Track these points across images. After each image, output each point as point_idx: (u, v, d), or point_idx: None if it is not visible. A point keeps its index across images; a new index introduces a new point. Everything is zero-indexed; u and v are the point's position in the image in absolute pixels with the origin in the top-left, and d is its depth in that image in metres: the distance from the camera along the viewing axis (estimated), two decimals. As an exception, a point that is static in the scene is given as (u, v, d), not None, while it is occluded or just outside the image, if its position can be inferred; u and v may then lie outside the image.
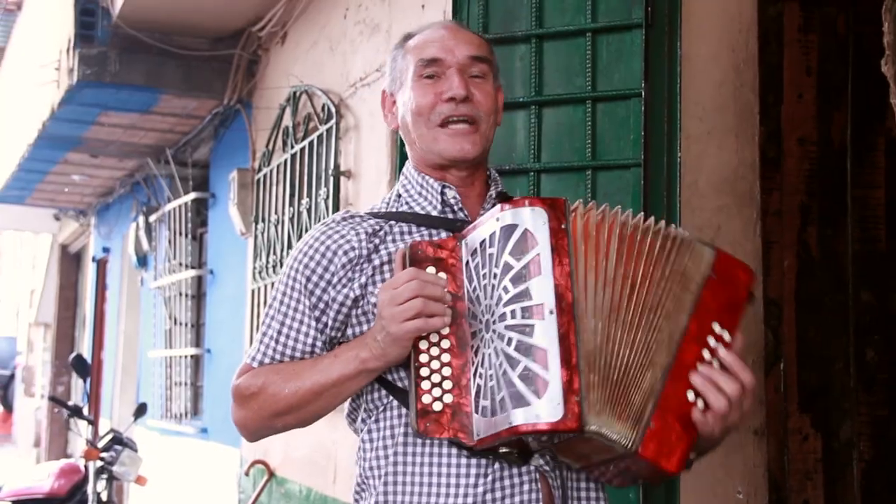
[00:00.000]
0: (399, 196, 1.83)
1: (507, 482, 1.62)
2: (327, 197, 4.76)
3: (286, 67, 5.68)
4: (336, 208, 4.71)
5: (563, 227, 1.55)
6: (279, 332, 1.74)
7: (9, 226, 14.62)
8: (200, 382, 7.38)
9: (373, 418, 1.71)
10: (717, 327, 1.60)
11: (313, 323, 1.71)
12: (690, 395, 1.56)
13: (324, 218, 4.77)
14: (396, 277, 1.59)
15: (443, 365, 1.59)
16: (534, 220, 1.55)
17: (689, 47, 2.89)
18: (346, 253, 1.70)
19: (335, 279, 1.70)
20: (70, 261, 13.29)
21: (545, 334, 1.50)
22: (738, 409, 1.59)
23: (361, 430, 1.74)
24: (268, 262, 5.57)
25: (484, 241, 1.59)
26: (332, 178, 4.72)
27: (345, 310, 1.70)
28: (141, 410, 6.10)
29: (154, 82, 6.25)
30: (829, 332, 3.13)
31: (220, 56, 6.24)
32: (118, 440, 5.85)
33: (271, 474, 5.53)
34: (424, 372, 1.58)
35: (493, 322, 1.54)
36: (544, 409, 1.46)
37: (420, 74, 1.77)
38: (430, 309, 1.55)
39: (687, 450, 1.54)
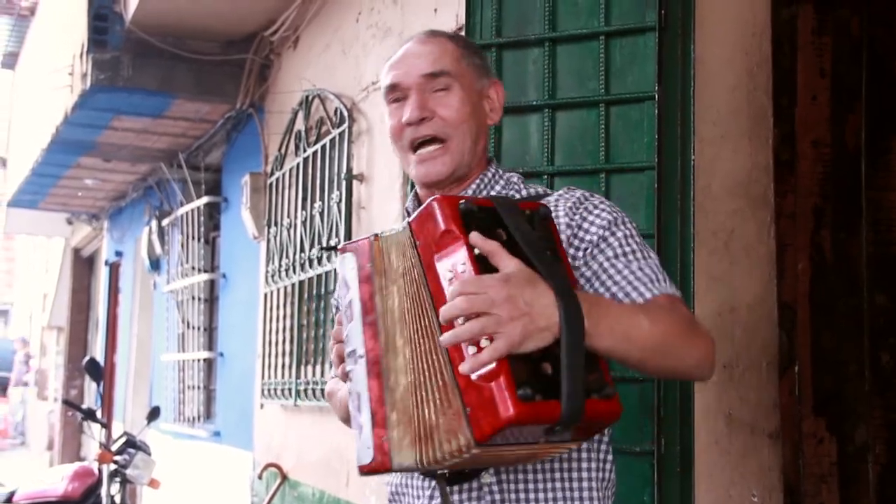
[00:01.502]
0: (407, 213, 1.84)
1: (455, 498, 1.66)
2: (340, 200, 4.77)
3: (298, 71, 5.70)
4: (349, 212, 4.71)
5: (367, 265, 1.56)
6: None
7: (22, 230, 14.69)
8: (213, 386, 7.40)
9: None
10: (446, 265, 1.46)
11: None
12: (472, 349, 1.40)
13: (336, 221, 4.80)
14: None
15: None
16: (345, 266, 1.58)
17: (702, 50, 2.89)
18: None
19: None
20: (83, 265, 13.34)
21: (359, 379, 1.54)
22: (488, 304, 1.38)
23: None
24: (280, 265, 5.59)
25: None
26: (344, 182, 4.73)
27: None
28: (154, 414, 6.11)
29: (167, 87, 6.28)
30: (843, 336, 3.11)
31: (233, 60, 6.26)
32: (131, 443, 5.86)
33: (284, 477, 5.54)
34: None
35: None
36: (361, 453, 1.53)
37: (388, 102, 1.79)
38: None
39: (507, 389, 1.37)
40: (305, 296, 5.29)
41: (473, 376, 1.39)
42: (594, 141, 2.89)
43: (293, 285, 5.40)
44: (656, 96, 2.79)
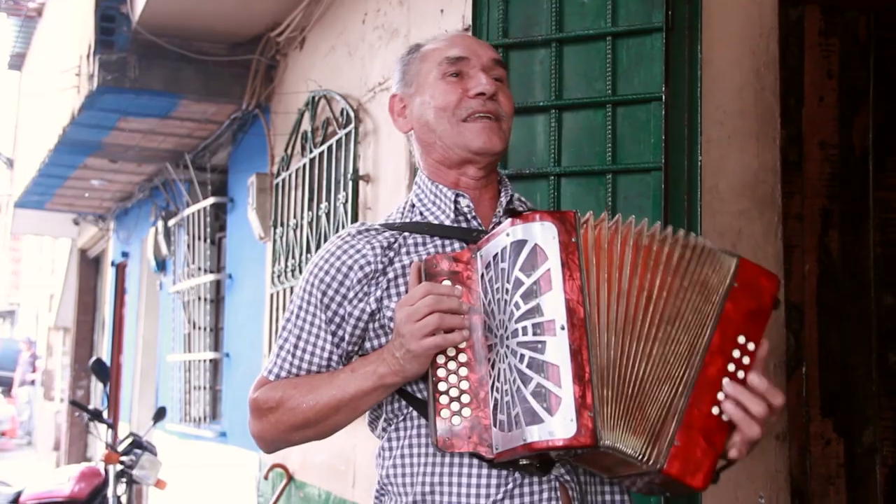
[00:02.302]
0: (413, 206, 1.83)
1: (525, 490, 1.62)
2: (346, 201, 4.77)
3: (305, 72, 5.70)
4: (355, 212, 4.71)
5: (573, 240, 1.54)
6: (295, 346, 1.75)
7: (29, 230, 14.72)
8: (219, 386, 7.40)
9: (392, 426, 1.72)
10: (741, 339, 1.58)
11: (329, 337, 1.73)
12: (715, 410, 1.55)
13: (343, 222, 4.79)
14: (412, 293, 1.59)
15: (461, 379, 1.59)
16: (543, 234, 1.54)
17: (709, 51, 2.88)
18: (361, 268, 1.71)
19: (351, 294, 1.71)
20: (89, 265, 13.35)
21: (557, 351, 1.49)
22: (764, 428, 1.58)
23: (382, 438, 1.76)
24: (286, 266, 5.59)
25: (497, 254, 1.58)
26: (350, 183, 4.73)
27: (361, 324, 1.71)
28: (160, 414, 6.11)
29: (173, 87, 6.28)
30: (850, 337, 3.11)
31: (239, 61, 6.26)
32: (138, 444, 5.87)
33: (290, 478, 5.54)
34: (443, 387, 1.59)
35: (507, 338, 1.54)
36: (558, 426, 1.47)
37: (445, 73, 1.78)
38: (448, 323, 1.55)
39: (713, 465, 1.54)
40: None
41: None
42: (601, 142, 2.89)
43: (299, 286, 5.40)
44: (663, 97, 2.79)
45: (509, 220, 1.58)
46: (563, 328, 1.49)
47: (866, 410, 3.07)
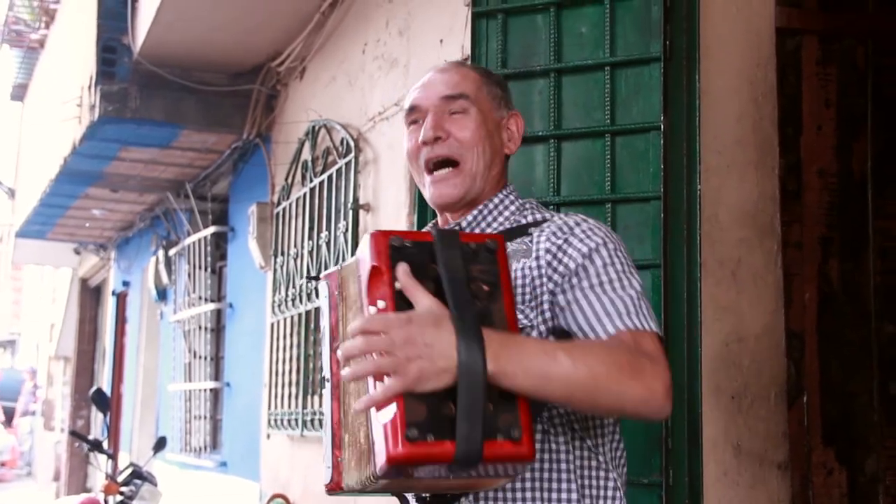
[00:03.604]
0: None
1: None
2: (346, 230, 4.77)
3: (305, 102, 5.72)
4: (355, 241, 4.72)
5: (336, 293, 1.64)
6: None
7: (30, 260, 14.72)
8: (220, 416, 7.38)
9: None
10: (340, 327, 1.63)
11: None
12: (371, 385, 1.44)
13: (343, 251, 4.80)
14: None
15: None
16: (323, 292, 1.67)
17: (707, 81, 2.90)
18: None
19: None
20: (90, 295, 13.35)
21: (325, 403, 1.65)
22: (385, 345, 1.39)
23: None
24: (287, 295, 5.58)
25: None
26: (351, 212, 4.74)
27: None
28: (160, 444, 6.09)
29: (174, 118, 6.31)
30: (851, 366, 3.10)
31: (240, 91, 6.29)
32: (138, 474, 5.84)
33: (291, 509, 5.51)
34: None
35: None
36: (324, 473, 1.63)
37: (407, 123, 1.83)
38: None
39: (398, 426, 1.39)
40: (312, 326, 5.29)
41: (373, 413, 1.43)
42: (600, 171, 2.89)
43: (300, 315, 5.40)
44: (662, 126, 2.80)
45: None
46: (327, 381, 1.65)
47: (868, 439, 3.06)
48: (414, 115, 1.81)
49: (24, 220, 10.04)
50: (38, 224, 9.89)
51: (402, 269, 1.43)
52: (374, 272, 1.47)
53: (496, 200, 1.82)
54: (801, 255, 3.08)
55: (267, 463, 6.05)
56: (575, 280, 1.64)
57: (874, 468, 3.05)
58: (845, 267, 3.13)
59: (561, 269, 1.66)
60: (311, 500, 5.29)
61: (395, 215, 4.39)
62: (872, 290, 3.14)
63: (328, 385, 1.63)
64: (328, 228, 5.04)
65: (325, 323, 1.66)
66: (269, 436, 5.92)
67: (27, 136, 11.20)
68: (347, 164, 4.84)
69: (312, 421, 5.08)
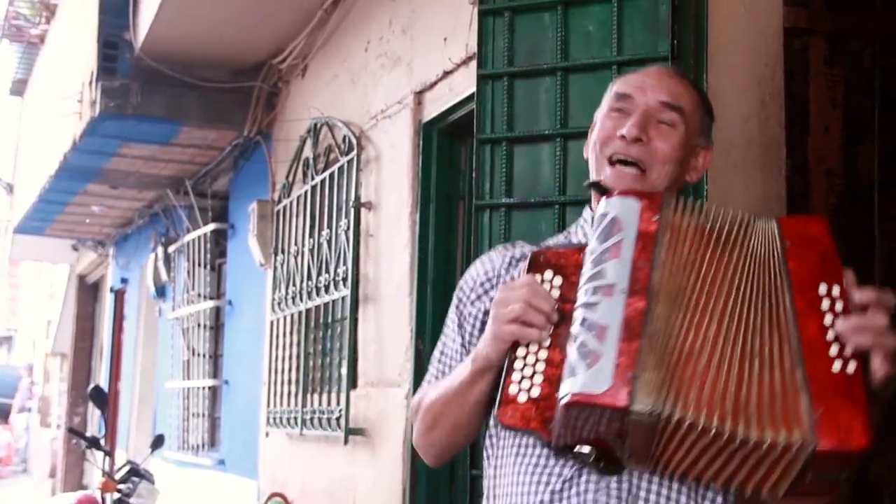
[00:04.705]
0: (568, 232, 1.84)
1: (580, 489, 1.58)
2: (347, 228, 4.76)
3: (307, 100, 5.71)
4: (356, 240, 4.70)
5: (654, 217, 1.55)
6: (441, 352, 1.82)
7: (27, 256, 14.70)
8: (218, 414, 7.36)
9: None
10: (823, 289, 1.52)
11: (458, 338, 1.79)
12: (836, 366, 1.45)
13: (344, 249, 4.79)
14: (514, 282, 1.62)
15: (538, 361, 1.54)
16: (624, 208, 1.57)
17: (714, 81, 2.88)
18: (486, 273, 1.78)
19: (473, 295, 1.78)
20: (88, 291, 13.32)
21: (609, 311, 1.47)
22: (886, 335, 1.47)
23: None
24: (287, 293, 5.57)
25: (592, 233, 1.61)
26: (352, 210, 4.72)
27: (478, 323, 1.75)
28: (158, 442, 6.07)
29: (175, 114, 6.30)
30: (857, 368, 3.09)
31: (241, 88, 6.28)
32: (135, 472, 5.82)
33: (289, 507, 5.49)
34: (518, 365, 1.55)
35: (576, 308, 1.53)
36: (590, 379, 1.41)
37: (611, 107, 1.76)
38: (529, 318, 1.53)
39: (866, 419, 1.44)
40: (312, 324, 5.27)
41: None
42: (606, 170, 2.87)
43: (300, 313, 5.38)
44: (669, 126, 2.78)
45: (604, 198, 1.62)
46: (622, 292, 1.48)
47: (874, 442, 3.04)
48: (622, 102, 1.74)
49: (22, 216, 10.02)
50: (36, 220, 9.87)
51: (850, 274, 1.53)
52: (831, 264, 1.54)
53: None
54: (807, 256, 3.06)
55: (265, 461, 6.03)
56: None
57: (879, 471, 3.03)
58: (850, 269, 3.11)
59: None
60: (309, 498, 5.28)
61: (396, 213, 4.37)
62: (878, 293, 3.13)
63: (620, 296, 1.47)
64: (329, 227, 5.02)
65: (625, 236, 1.53)
66: (267, 434, 5.90)
67: (26, 131, 11.18)
68: (349, 161, 4.83)
69: (312, 419, 5.07)
